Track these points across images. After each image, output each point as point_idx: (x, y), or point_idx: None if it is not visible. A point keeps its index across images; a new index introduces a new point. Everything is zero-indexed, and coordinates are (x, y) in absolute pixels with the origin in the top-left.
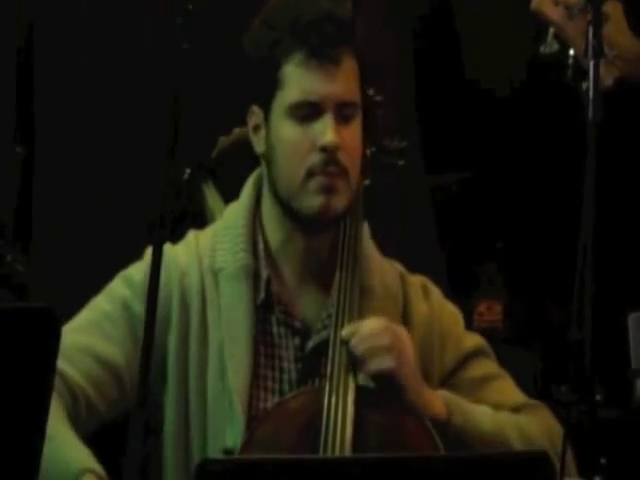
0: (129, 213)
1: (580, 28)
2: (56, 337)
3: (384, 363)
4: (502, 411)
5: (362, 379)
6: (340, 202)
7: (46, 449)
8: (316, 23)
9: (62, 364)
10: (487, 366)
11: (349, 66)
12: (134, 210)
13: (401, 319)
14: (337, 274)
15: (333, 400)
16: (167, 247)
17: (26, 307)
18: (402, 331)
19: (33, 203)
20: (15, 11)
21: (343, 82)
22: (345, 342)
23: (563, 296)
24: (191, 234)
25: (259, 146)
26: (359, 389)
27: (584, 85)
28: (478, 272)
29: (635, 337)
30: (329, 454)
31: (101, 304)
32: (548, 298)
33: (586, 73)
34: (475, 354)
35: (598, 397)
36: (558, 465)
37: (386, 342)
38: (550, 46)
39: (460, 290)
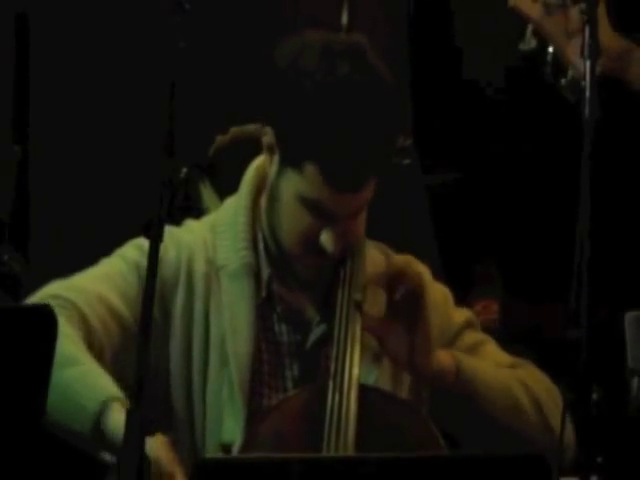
0: (126, 212)
1: (559, 25)
2: (53, 336)
3: (412, 281)
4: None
5: (364, 378)
6: (327, 272)
7: (71, 373)
8: (341, 145)
9: (84, 307)
10: (476, 334)
11: (369, 184)
12: (131, 209)
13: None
14: (340, 272)
15: (337, 398)
16: (175, 229)
17: (23, 307)
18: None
19: (30, 202)
20: (11, 13)
21: (360, 200)
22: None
23: (560, 295)
24: (190, 223)
25: (271, 166)
26: (362, 387)
27: (562, 82)
28: (475, 271)
29: (632, 336)
30: (332, 452)
31: (116, 263)
32: (545, 297)
33: (565, 70)
34: (464, 327)
35: (595, 396)
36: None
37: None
38: (529, 43)
39: (457, 288)
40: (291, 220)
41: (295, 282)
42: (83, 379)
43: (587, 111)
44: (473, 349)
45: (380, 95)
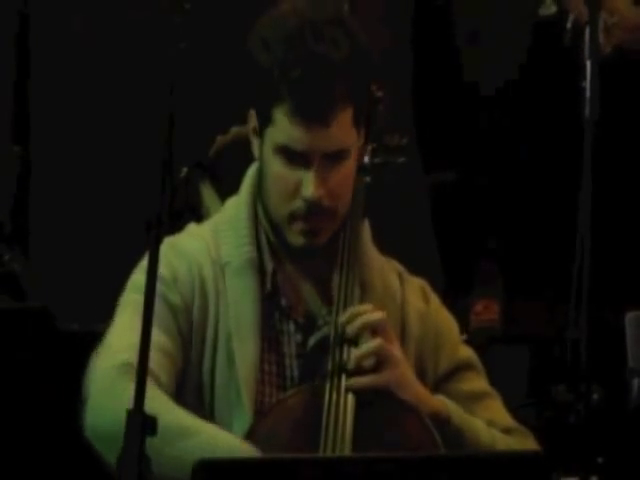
0: (126, 211)
1: None
2: (52, 337)
3: (376, 380)
4: (494, 429)
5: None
6: (324, 238)
7: (194, 444)
8: (307, 72)
9: (150, 365)
10: (479, 382)
11: (341, 117)
12: (132, 208)
13: (399, 317)
14: (337, 271)
15: (334, 398)
16: (180, 238)
17: (23, 307)
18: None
19: (30, 202)
20: (12, 13)
21: (331, 137)
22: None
23: (560, 295)
24: (192, 227)
25: (257, 151)
26: None
27: (582, 47)
28: (475, 271)
29: (632, 336)
30: (329, 452)
31: (137, 298)
32: (545, 297)
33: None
34: (468, 367)
35: (595, 396)
36: None
37: (372, 360)
38: (548, 8)
39: (457, 289)
40: (272, 177)
41: (292, 258)
42: (210, 447)
43: (587, 111)
44: (474, 398)
45: (349, 41)
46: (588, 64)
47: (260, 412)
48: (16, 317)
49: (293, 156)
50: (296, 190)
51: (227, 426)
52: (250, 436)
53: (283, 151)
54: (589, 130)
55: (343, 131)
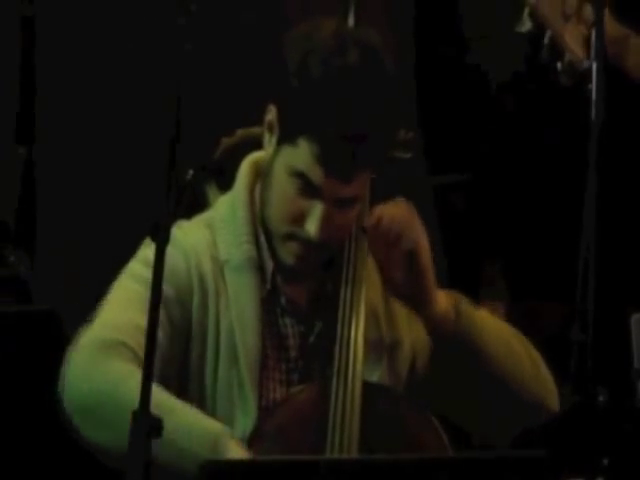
0: (132, 214)
1: (555, 7)
2: (59, 339)
3: (411, 240)
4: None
5: (368, 375)
6: (313, 266)
7: (171, 423)
8: (344, 143)
9: (131, 343)
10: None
11: (361, 177)
12: (137, 211)
13: (383, 302)
14: (344, 265)
15: (341, 394)
16: (179, 233)
17: (29, 310)
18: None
19: (36, 204)
20: (17, 12)
21: (349, 190)
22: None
23: (566, 297)
24: (184, 224)
25: (269, 146)
26: (366, 385)
27: (559, 66)
28: (480, 273)
29: (638, 338)
30: (336, 450)
31: (130, 285)
32: (550, 298)
33: (561, 53)
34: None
35: (601, 398)
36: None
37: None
38: (525, 24)
39: (462, 291)
40: (280, 194)
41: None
42: (184, 426)
43: (594, 113)
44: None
45: (384, 90)
46: (594, 66)
47: (266, 408)
48: (22, 320)
49: (308, 185)
50: (301, 215)
51: (230, 421)
52: (257, 432)
53: (299, 177)
54: (595, 132)
55: (361, 186)
